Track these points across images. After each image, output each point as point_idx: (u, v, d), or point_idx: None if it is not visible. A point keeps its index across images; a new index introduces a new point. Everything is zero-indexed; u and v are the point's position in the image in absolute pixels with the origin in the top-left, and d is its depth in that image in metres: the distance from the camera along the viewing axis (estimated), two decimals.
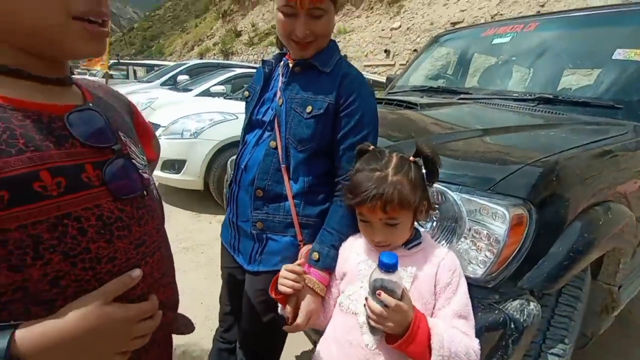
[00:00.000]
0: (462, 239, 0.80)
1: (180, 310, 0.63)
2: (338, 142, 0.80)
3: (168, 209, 3.04)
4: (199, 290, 1.86)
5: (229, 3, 25.04)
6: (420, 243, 0.70)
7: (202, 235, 2.53)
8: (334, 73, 0.82)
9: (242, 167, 0.86)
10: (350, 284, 0.71)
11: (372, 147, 0.73)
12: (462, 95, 1.82)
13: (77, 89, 0.49)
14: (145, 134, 0.68)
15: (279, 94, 0.85)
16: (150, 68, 10.96)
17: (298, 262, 0.77)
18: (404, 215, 0.65)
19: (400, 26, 10.61)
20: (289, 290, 0.71)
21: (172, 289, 0.58)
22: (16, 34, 0.38)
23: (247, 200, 0.84)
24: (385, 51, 10.16)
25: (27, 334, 0.35)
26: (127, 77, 10.94)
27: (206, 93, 4.97)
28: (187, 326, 0.62)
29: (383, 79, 5.19)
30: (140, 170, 0.51)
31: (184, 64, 7.84)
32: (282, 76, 0.87)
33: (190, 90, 5.22)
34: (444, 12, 9.76)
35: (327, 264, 0.76)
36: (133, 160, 0.50)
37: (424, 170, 0.68)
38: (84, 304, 0.39)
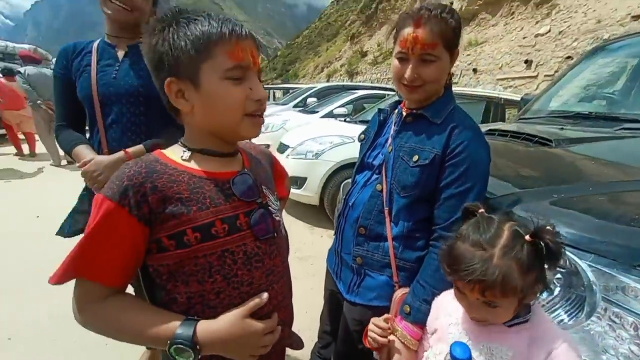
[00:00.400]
0: (595, 318, 0.67)
1: None
2: (440, 190, 0.81)
3: (290, 219, 3.48)
4: (305, 299, 2.04)
5: (357, 26, 26.70)
6: (526, 322, 0.60)
7: (314, 248, 2.79)
8: (445, 124, 0.83)
9: (350, 204, 0.97)
10: (440, 342, 0.69)
11: (481, 209, 0.65)
12: (627, 125, 1.42)
13: (240, 155, 0.69)
14: (280, 177, 0.86)
15: (389, 140, 0.92)
16: (286, 91, 12.78)
17: (386, 316, 0.80)
18: (507, 302, 0.57)
19: (549, 30, 9.00)
20: (376, 343, 0.76)
21: (290, 310, 0.73)
22: (217, 128, 0.60)
23: (351, 235, 0.94)
24: (526, 61, 8.78)
25: (201, 328, 0.54)
26: (268, 98, 13.07)
27: (330, 115, 5.47)
28: (298, 343, 0.75)
29: (519, 96, 4.51)
30: (273, 214, 0.67)
31: (314, 87, 8.75)
32: (395, 124, 0.94)
33: (317, 112, 5.82)
34: (619, 4, 7.73)
35: (419, 319, 0.77)
36: (270, 207, 0.67)
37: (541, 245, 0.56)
38: (233, 316, 0.57)
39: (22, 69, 4.96)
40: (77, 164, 1.08)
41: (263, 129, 4.53)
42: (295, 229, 3.23)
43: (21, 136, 5.75)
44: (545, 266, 0.57)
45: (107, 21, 1.13)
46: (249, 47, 0.56)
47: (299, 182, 3.33)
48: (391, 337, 0.77)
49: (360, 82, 17.02)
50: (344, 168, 3.19)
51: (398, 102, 1.00)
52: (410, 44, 0.80)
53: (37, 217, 3.01)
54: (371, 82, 16.02)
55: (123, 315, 0.54)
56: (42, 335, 1.69)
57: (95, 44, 1.15)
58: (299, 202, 3.54)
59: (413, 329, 0.77)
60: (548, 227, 0.55)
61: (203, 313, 0.57)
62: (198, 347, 0.52)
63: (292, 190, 3.35)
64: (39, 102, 4.86)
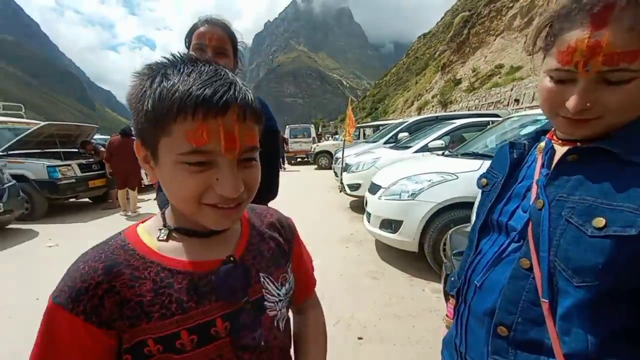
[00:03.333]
0: None
1: None
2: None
3: (382, 265, 3.17)
4: None
5: (448, 55, 25.71)
6: None
7: (413, 304, 2.40)
8: None
9: (477, 284, 0.66)
10: None
11: None
12: None
13: (237, 228, 0.55)
14: (303, 258, 0.68)
15: (535, 190, 0.60)
16: (376, 128, 12.84)
17: None
18: None
19: None
20: None
21: None
22: (180, 209, 0.48)
23: (482, 335, 0.62)
24: None
25: None
26: (358, 137, 13.32)
27: (425, 149, 5.07)
28: None
29: None
30: (267, 310, 0.52)
31: (405, 122, 8.48)
32: (543, 165, 0.62)
33: (409, 147, 5.50)
34: None
35: None
36: (265, 302, 0.52)
37: None
38: None
39: None
40: None
41: (354, 168, 4.48)
42: (390, 279, 2.89)
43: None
44: None
45: None
46: (223, 126, 0.40)
47: (394, 225, 3.03)
48: None
49: (454, 111, 15.89)
50: (446, 209, 2.78)
51: (542, 132, 0.69)
52: (582, 56, 0.48)
53: None
54: (468, 110, 14.79)
55: None
56: None
57: None
58: (394, 248, 3.21)
59: None
60: None
61: None
62: None
63: (386, 234, 3.07)
64: None
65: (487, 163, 2.25)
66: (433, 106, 20.83)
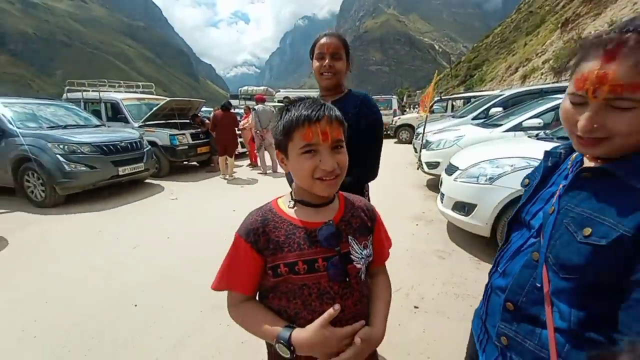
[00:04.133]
0: None
1: None
2: (631, 286, 0.54)
3: (450, 246, 3.19)
4: (456, 342, 1.84)
5: (576, 5, 20.71)
6: None
7: (476, 286, 2.43)
8: None
9: (500, 269, 0.81)
10: None
11: None
12: None
13: (337, 203, 0.82)
14: (383, 238, 0.91)
15: (555, 197, 0.71)
16: (467, 100, 11.61)
17: None
18: None
19: None
20: None
21: None
22: (304, 187, 0.77)
23: (497, 306, 0.77)
24: None
25: (295, 334, 0.70)
26: (445, 110, 12.29)
27: (518, 128, 4.56)
28: None
29: None
30: (354, 262, 0.76)
31: (502, 94, 7.55)
32: (566, 177, 0.72)
33: (500, 125, 5.00)
34: None
35: None
36: (352, 256, 0.76)
37: None
38: (315, 326, 0.70)
39: (256, 107, 7.01)
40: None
41: (434, 145, 4.42)
42: (456, 260, 2.91)
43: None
44: None
45: (319, 85, 1.51)
46: (319, 128, 0.69)
47: (467, 208, 2.98)
48: None
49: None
50: None
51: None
52: (592, 84, 0.57)
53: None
54: None
55: (250, 316, 0.76)
56: None
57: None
58: (465, 231, 3.17)
59: None
60: None
61: (300, 323, 0.74)
62: (292, 347, 0.68)
63: (458, 217, 3.06)
64: (257, 131, 6.92)
65: None
66: (543, 74, 17.34)
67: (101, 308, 2.28)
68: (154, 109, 6.93)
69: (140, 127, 6.71)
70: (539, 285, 0.68)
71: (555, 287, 0.65)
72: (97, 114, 7.09)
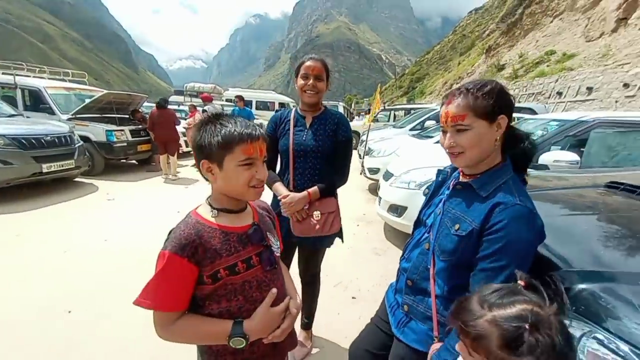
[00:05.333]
0: None
1: None
2: (476, 261, 0.84)
3: (386, 244, 3.57)
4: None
5: (496, 36, 23.95)
6: None
7: None
8: (489, 199, 0.85)
9: (405, 256, 1.08)
10: None
11: (521, 281, 0.64)
12: None
13: (249, 209, 0.93)
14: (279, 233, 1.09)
15: (442, 202, 1.00)
16: (407, 111, 12.63)
17: None
18: (475, 353, 0.60)
19: None
20: None
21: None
22: (231, 194, 0.85)
23: (403, 282, 1.05)
24: None
25: (247, 324, 0.82)
26: (388, 119, 13.19)
27: None
28: (292, 345, 0.99)
29: None
30: (274, 253, 0.92)
31: (435, 109, 8.41)
32: (449, 188, 1.01)
33: (432, 137, 5.65)
34: None
35: None
36: (272, 247, 0.92)
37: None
38: (261, 310, 0.84)
39: (205, 107, 6.85)
40: (279, 197, 1.63)
41: (375, 153, 4.85)
42: (391, 256, 3.29)
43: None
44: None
45: (301, 100, 1.67)
46: (258, 145, 0.81)
47: (399, 210, 3.38)
48: None
49: None
50: None
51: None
52: (444, 118, 0.91)
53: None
54: None
55: (190, 327, 0.80)
56: None
57: (292, 114, 1.69)
58: (399, 230, 3.57)
59: None
60: (546, 324, 0.54)
61: (244, 315, 0.85)
62: (247, 335, 0.80)
63: (392, 218, 3.44)
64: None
65: None
66: None
67: (30, 316, 2.13)
68: (88, 101, 6.36)
69: (69, 120, 6.10)
70: (428, 267, 0.96)
71: (438, 268, 0.93)
72: (10, 101, 6.24)
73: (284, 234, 1.80)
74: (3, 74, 6.80)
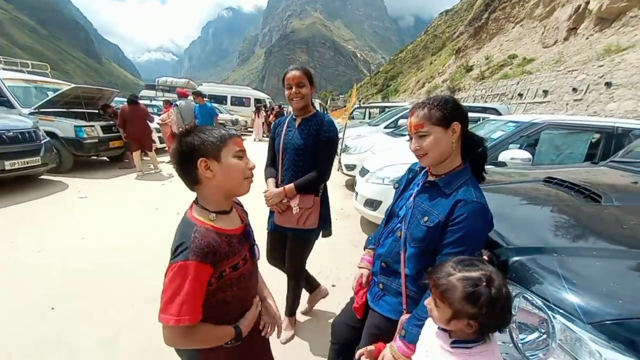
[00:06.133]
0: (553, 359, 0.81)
1: None
2: (441, 247, 1.02)
3: (363, 237, 3.78)
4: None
5: (464, 39, 25.11)
6: (468, 348, 0.79)
7: None
8: (452, 196, 1.03)
9: (380, 242, 1.26)
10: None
11: (484, 255, 0.86)
12: None
13: (236, 213, 1.03)
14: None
15: (412, 197, 1.18)
16: (382, 109, 13.01)
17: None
18: (443, 307, 0.79)
19: None
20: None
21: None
22: (227, 187, 0.93)
23: (378, 265, 1.23)
24: None
25: (242, 324, 0.97)
26: (364, 117, 13.53)
27: None
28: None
29: None
30: (256, 248, 1.07)
31: (408, 107, 8.79)
32: (418, 185, 1.20)
33: (404, 135, 5.95)
34: None
35: (410, 340, 1.00)
36: (254, 243, 1.06)
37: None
38: (251, 315, 1.02)
39: (178, 102, 6.74)
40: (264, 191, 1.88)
41: (352, 150, 5.07)
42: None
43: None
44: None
45: (292, 108, 1.85)
46: (241, 141, 0.95)
47: (375, 204, 3.61)
48: (387, 353, 1.03)
49: (461, 99, 15.93)
50: None
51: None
52: (409, 127, 1.11)
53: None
54: (474, 100, 14.90)
55: (206, 335, 0.89)
56: None
57: (287, 119, 1.93)
58: (374, 223, 3.80)
59: (404, 348, 1.01)
60: (497, 284, 0.76)
61: (228, 304, 0.95)
62: (242, 334, 0.97)
63: (367, 211, 3.66)
64: (180, 128, 6.60)
65: None
66: (442, 91, 20.71)
67: (9, 316, 2.12)
68: (53, 95, 6.06)
69: (31, 114, 5.79)
70: (400, 252, 1.14)
71: (409, 253, 1.11)
72: None
73: (271, 224, 1.97)
74: None
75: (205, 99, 7.53)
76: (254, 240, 1.06)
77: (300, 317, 2.28)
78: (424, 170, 1.23)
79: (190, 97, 7.18)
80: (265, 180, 1.95)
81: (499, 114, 6.76)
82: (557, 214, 1.29)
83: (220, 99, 16.36)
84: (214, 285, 0.87)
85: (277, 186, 1.88)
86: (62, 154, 5.87)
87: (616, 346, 0.72)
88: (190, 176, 0.90)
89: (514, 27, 18.84)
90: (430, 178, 1.15)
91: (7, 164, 4.46)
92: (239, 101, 16.94)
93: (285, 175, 1.87)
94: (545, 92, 11.45)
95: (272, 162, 1.99)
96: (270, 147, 2.01)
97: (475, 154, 1.13)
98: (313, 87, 1.82)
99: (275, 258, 2.10)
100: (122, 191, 5.30)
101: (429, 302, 0.85)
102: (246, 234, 1.02)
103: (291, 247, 1.97)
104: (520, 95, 12.56)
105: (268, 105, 17.53)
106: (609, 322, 0.75)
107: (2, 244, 3.10)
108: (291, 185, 1.80)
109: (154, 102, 11.11)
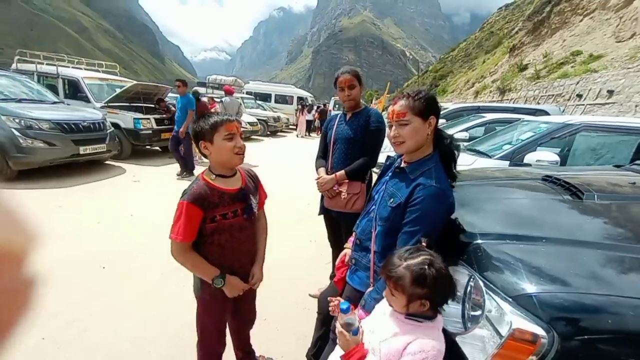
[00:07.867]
0: (478, 329, 0.90)
1: None
2: (401, 226, 1.14)
3: None
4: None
5: (521, 35, 23.21)
6: (419, 321, 0.89)
7: None
8: (415, 180, 1.14)
9: (358, 222, 1.40)
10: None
11: (423, 243, 0.98)
12: None
13: (239, 175, 1.32)
14: (262, 192, 1.48)
15: (385, 183, 1.31)
16: None
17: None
18: (398, 295, 0.89)
19: None
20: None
21: (252, 254, 1.36)
22: (222, 161, 1.26)
23: (356, 241, 1.37)
24: None
25: (228, 278, 1.27)
26: None
27: None
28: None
29: None
30: (253, 207, 1.30)
31: (446, 108, 8.51)
32: (391, 170, 1.32)
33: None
34: None
35: (368, 309, 1.14)
36: (251, 204, 1.30)
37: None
38: (238, 282, 1.28)
39: (223, 99, 7.30)
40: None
41: (382, 148, 5.09)
42: None
43: None
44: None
45: (345, 107, 2.09)
46: (234, 125, 1.24)
47: None
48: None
49: (511, 100, 14.83)
50: None
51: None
52: (390, 115, 1.21)
53: None
54: (525, 101, 13.74)
55: (196, 260, 1.23)
56: None
57: (339, 116, 2.16)
58: None
59: (363, 315, 1.15)
60: (437, 266, 0.88)
61: (222, 247, 1.25)
62: (224, 283, 1.23)
63: None
64: None
65: (481, 160, 3.05)
66: (491, 92, 19.36)
67: (70, 269, 2.60)
68: (119, 91, 6.95)
69: (102, 107, 6.70)
70: (372, 231, 1.27)
71: (377, 231, 1.24)
72: (52, 89, 6.91)
73: (321, 207, 2.23)
74: (47, 64, 7.48)
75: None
76: (251, 202, 1.31)
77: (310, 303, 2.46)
78: (399, 158, 1.34)
79: (236, 94, 7.72)
80: (316, 170, 2.18)
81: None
82: (532, 207, 1.31)
83: (265, 97, 17.12)
84: (209, 224, 1.20)
85: (327, 174, 2.11)
86: (123, 143, 6.70)
87: (528, 316, 0.80)
88: (200, 152, 1.28)
89: (581, 20, 16.99)
90: (402, 165, 1.26)
91: (82, 149, 5.25)
92: (282, 99, 17.55)
93: (335, 164, 2.07)
94: (610, 92, 10.26)
95: (323, 154, 2.20)
96: (322, 140, 2.23)
97: (443, 147, 1.22)
98: (362, 86, 2.02)
99: (332, 242, 2.37)
100: (168, 177, 5.93)
101: (386, 293, 0.97)
102: (241, 195, 1.28)
103: (344, 229, 2.09)
104: (580, 96, 11.38)
105: (309, 103, 17.95)
106: (526, 295, 0.82)
107: (73, 215, 3.72)
108: (342, 171, 2.00)
109: (202, 99, 12.04)
